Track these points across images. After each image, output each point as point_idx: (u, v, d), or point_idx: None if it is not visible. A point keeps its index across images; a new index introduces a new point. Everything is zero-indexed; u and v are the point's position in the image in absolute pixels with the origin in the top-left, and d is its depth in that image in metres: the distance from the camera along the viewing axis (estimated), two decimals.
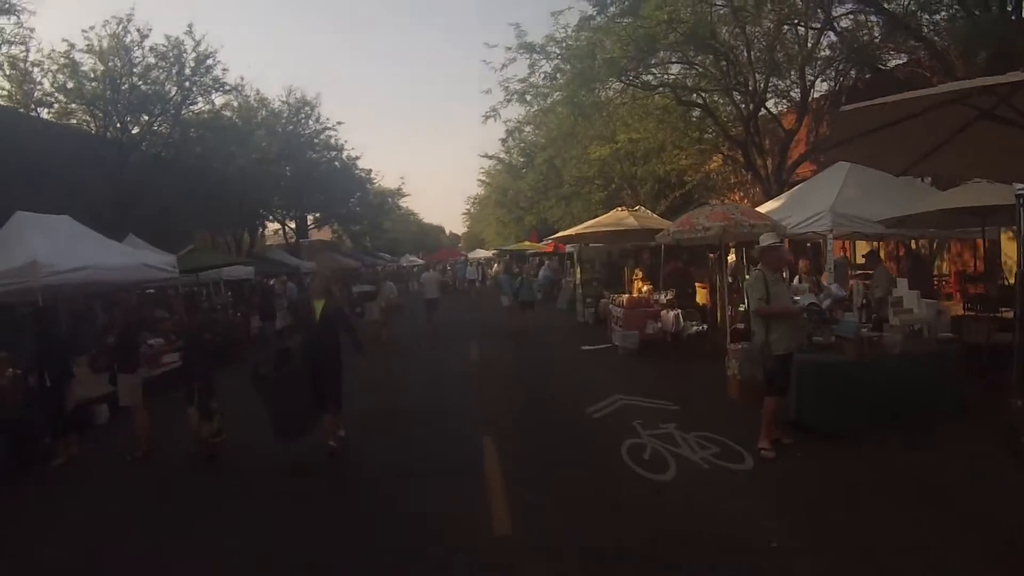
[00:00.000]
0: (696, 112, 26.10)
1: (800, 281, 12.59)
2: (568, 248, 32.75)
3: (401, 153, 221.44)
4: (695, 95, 22.98)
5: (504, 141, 24.28)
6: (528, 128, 26.48)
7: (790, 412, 8.71)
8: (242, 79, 40.94)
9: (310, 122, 40.02)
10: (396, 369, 15.72)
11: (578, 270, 24.07)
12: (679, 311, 14.57)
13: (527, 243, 42.16)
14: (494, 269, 54.72)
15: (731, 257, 15.55)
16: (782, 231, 12.05)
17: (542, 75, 22.08)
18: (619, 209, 17.67)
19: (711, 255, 14.68)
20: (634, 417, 10.18)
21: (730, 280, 15.16)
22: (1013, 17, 12.81)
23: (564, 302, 26.88)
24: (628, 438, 9.15)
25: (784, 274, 9.40)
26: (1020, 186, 7.90)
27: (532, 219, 46.99)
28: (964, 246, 19.03)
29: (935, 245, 21.53)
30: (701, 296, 16.94)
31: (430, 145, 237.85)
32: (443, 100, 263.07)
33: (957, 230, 12.64)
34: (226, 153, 30.61)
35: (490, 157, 51.82)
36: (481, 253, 67.22)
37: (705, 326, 14.52)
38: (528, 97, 22.73)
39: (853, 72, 21.06)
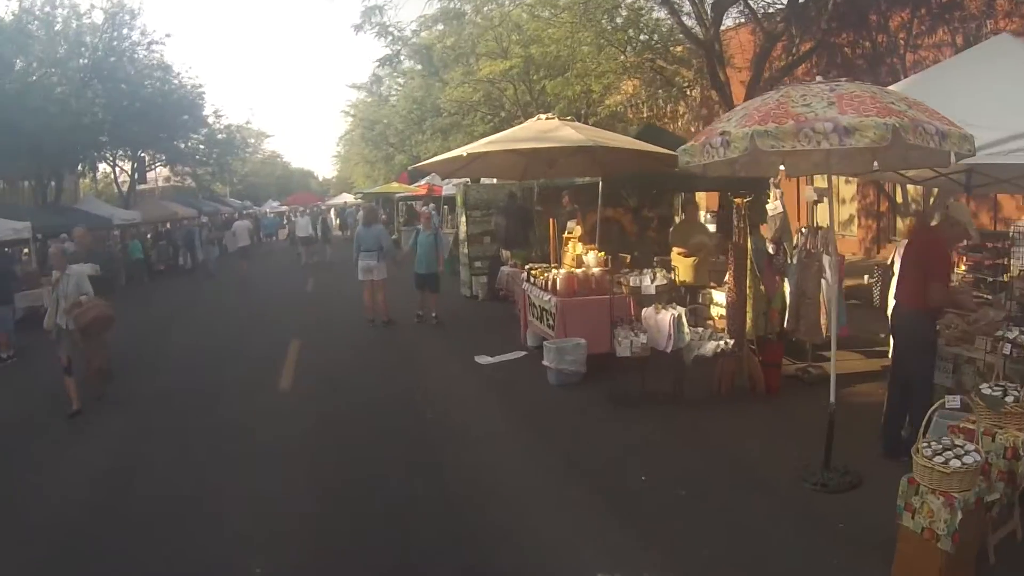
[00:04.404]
0: (622, 8, 19.02)
1: None
2: (447, 189, 25.16)
3: (264, 87, 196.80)
4: None
5: (359, 27, 15.94)
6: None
7: None
8: None
9: (133, 33, 29.43)
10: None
11: (463, 219, 16.34)
12: (680, 310, 7.20)
13: (395, 184, 34.00)
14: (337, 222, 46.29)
15: (772, 204, 8.30)
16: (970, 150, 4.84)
17: None
18: (541, 117, 10.00)
19: (739, 199, 7.39)
20: None
21: (770, 250, 7.99)
22: None
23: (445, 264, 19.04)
24: None
25: None
26: None
27: (404, 158, 39.12)
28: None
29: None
30: (684, 270, 9.71)
31: (299, 80, 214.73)
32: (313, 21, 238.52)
33: None
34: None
35: (358, 87, 43.52)
36: (347, 198, 57.74)
37: (728, 341, 7.29)
38: None
39: None
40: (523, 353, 9.96)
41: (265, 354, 11.20)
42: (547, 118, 9.73)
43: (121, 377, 9.70)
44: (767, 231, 8.40)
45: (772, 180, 8.10)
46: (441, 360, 10.31)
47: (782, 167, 6.47)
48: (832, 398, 5.61)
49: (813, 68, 17.51)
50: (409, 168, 22.62)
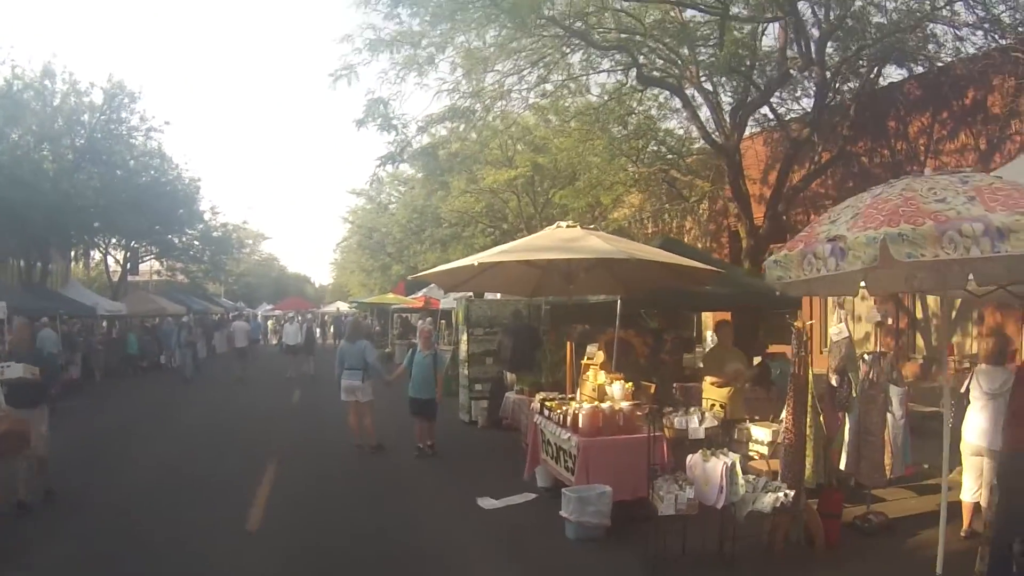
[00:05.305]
0: (634, 116, 18.35)
1: None
2: (445, 302, 24.12)
3: (264, 189, 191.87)
4: (663, 74, 15.22)
5: (362, 122, 14.99)
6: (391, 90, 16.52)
7: None
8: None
9: (132, 118, 29.07)
10: None
11: (464, 337, 15.13)
12: (734, 458, 5.91)
13: (391, 295, 32.89)
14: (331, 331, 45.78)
15: (836, 328, 7.21)
16: None
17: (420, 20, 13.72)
18: (561, 224, 8.93)
19: (799, 323, 6.24)
20: None
21: (833, 382, 6.83)
22: None
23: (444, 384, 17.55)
24: None
25: None
26: None
27: (400, 268, 38.38)
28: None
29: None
30: (716, 397, 8.49)
31: (299, 183, 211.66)
32: (317, 123, 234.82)
33: None
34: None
35: (358, 193, 43.06)
36: (342, 306, 56.64)
37: (788, 492, 5.97)
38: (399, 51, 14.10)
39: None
40: (532, 496, 8.56)
41: (234, 479, 9.74)
42: (568, 226, 8.63)
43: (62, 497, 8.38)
44: (830, 359, 7.26)
45: (836, 300, 7.03)
46: (437, 500, 8.87)
47: (863, 283, 5.37)
48: (939, 568, 4.50)
49: (828, 179, 16.82)
50: (409, 277, 21.66)
